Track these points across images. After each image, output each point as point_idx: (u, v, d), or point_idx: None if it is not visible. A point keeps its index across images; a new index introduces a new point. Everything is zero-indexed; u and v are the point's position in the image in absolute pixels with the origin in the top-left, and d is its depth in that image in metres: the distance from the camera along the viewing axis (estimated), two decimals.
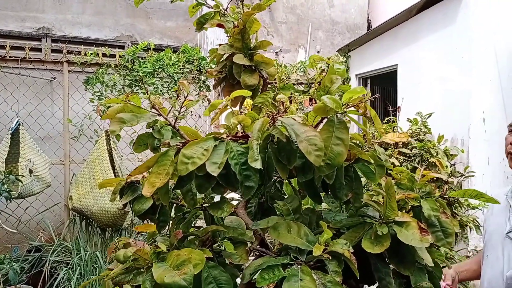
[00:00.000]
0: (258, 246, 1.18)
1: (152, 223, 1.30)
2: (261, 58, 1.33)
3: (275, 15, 8.20)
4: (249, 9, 1.33)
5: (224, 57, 1.39)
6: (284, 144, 0.94)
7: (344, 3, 8.87)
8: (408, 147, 3.21)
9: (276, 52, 8.08)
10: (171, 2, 1.65)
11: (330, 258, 0.92)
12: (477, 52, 3.99)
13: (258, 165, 0.87)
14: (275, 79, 1.42)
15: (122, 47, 6.35)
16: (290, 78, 5.14)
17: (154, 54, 4.82)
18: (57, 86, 4.91)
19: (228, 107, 1.00)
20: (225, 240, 0.98)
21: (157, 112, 1.03)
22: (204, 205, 1.34)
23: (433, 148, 3.04)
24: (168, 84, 4.71)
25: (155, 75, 4.71)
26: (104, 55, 4.66)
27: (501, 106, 4.10)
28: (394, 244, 1.03)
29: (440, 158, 2.95)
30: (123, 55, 4.67)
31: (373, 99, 0.94)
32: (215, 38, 6.51)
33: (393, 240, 1.03)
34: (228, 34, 1.39)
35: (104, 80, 4.58)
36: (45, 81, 4.87)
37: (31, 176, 3.92)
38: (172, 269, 0.81)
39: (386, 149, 3.36)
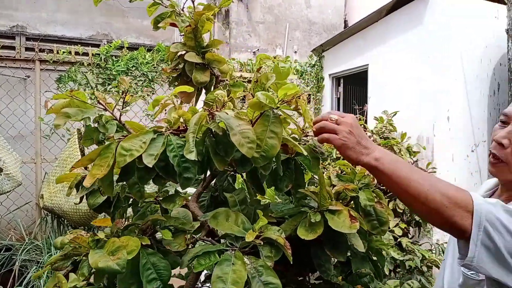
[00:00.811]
0: (205, 236, 1.24)
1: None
2: (213, 56, 1.38)
3: (252, 15, 8.27)
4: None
5: (178, 55, 1.44)
6: (222, 137, 1.00)
7: (321, 4, 9.00)
8: None
9: (254, 52, 8.14)
10: (130, 1, 1.68)
11: (262, 244, 0.98)
12: (442, 52, 4.12)
13: (193, 156, 0.92)
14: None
15: (98, 46, 6.30)
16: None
17: (128, 53, 4.82)
18: (29, 84, 4.86)
19: (170, 102, 1.05)
20: (165, 229, 1.03)
21: (103, 107, 1.07)
22: (157, 198, 1.40)
23: (397, 145, 3.15)
24: (142, 83, 4.72)
25: (129, 74, 4.72)
26: (77, 53, 4.64)
27: (466, 104, 4.24)
28: (329, 231, 1.10)
29: (402, 155, 3.06)
30: (97, 54, 4.66)
31: (305, 96, 1.00)
32: None
33: (328, 228, 1.09)
34: (181, 33, 1.44)
35: (77, 79, 4.56)
36: (17, 79, 4.82)
37: (1, 175, 3.88)
38: (108, 255, 0.86)
39: None
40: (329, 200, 1.13)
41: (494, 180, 1.36)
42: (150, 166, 0.90)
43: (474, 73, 4.32)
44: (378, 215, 1.22)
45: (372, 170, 1.00)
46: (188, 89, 1.09)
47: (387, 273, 2.97)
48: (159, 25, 1.47)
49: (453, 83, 4.18)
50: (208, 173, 1.27)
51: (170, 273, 0.98)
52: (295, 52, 8.59)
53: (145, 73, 4.76)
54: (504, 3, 4.19)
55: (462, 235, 0.94)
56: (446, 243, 1.95)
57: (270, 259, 0.98)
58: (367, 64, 5.07)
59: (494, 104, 4.46)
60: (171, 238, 1.01)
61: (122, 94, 1.05)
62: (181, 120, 1.06)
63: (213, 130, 0.99)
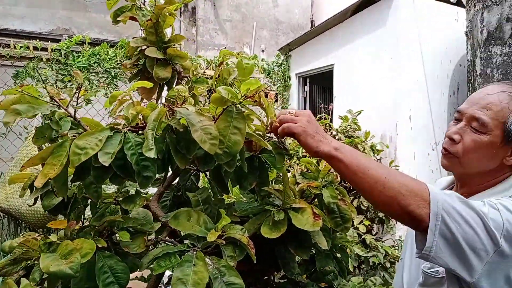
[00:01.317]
0: (167, 237, 1.20)
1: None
2: (174, 51, 1.35)
3: (219, 12, 8.21)
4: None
5: (138, 50, 1.39)
6: (183, 134, 0.97)
7: (288, 3, 9.05)
8: None
9: (221, 50, 8.08)
10: None
11: (224, 244, 0.95)
12: (405, 53, 4.22)
13: (152, 154, 0.88)
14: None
15: (58, 41, 6.07)
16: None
17: (90, 48, 4.67)
18: None
19: (129, 98, 1.01)
20: (123, 230, 0.99)
21: (56, 104, 1.02)
22: (117, 199, 1.34)
23: (361, 144, 3.20)
24: (105, 80, 4.58)
25: (91, 70, 4.57)
26: (35, 48, 4.45)
27: (427, 104, 4.37)
28: (292, 229, 1.09)
29: (367, 153, 3.11)
30: (57, 49, 4.49)
31: (267, 91, 0.99)
32: None
33: (292, 226, 1.08)
34: (142, 28, 1.39)
35: (35, 75, 4.37)
36: None
37: None
38: (60, 258, 0.81)
39: None
40: (293, 198, 1.12)
41: (449, 178, 1.40)
42: (107, 165, 0.86)
43: (435, 74, 4.46)
44: (341, 212, 1.22)
45: (331, 159, 1.01)
46: (147, 84, 1.05)
47: (351, 269, 3.01)
48: (118, 19, 1.42)
49: (415, 83, 4.30)
50: (170, 172, 1.24)
51: (129, 276, 0.94)
52: (263, 51, 8.60)
53: (108, 69, 4.63)
54: (464, 7, 4.34)
55: (419, 225, 0.95)
56: None
57: (233, 259, 0.95)
58: (333, 64, 5.14)
59: (454, 104, 4.62)
60: (129, 239, 0.97)
61: (76, 89, 1.00)
62: (140, 117, 1.02)
63: (173, 127, 0.96)
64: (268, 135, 1.18)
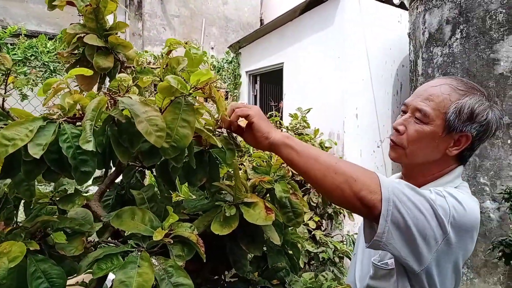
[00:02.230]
0: (110, 238, 1.12)
1: None
2: (116, 40, 1.26)
3: (167, 8, 8.00)
4: None
5: (76, 38, 1.29)
6: (126, 126, 0.89)
7: (237, 1, 9.01)
8: None
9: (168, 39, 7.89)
10: None
11: (172, 242, 0.89)
12: (351, 53, 4.33)
13: (90, 147, 0.81)
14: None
15: None
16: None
17: (27, 40, 4.36)
18: None
19: (65, 86, 0.92)
20: (58, 231, 0.90)
21: None
22: (53, 198, 1.24)
23: (310, 141, 3.23)
24: (43, 74, 4.30)
25: (27, 64, 4.27)
26: None
27: (372, 103, 4.52)
28: (244, 225, 1.05)
29: None
30: None
31: (218, 83, 0.94)
32: None
33: (244, 222, 1.04)
34: (81, 14, 1.29)
35: None
36: None
37: None
38: None
39: None
40: (245, 193, 1.08)
41: (395, 176, 1.43)
42: (38, 157, 0.77)
43: (380, 74, 4.62)
44: (293, 207, 1.20)
45: (284, 147, 1.00)
46: (86, 71, 0.96)
47: (302, 266, 3.04)
48: (54, 3, 1.30)
49: (360, 82, 4.42)
50: (113, 169, 1.15)
51: (65, 281, 0.86)
52: (212, 48, 8.50)
53: (46, 63, 4.35)
54: (406, 9, 4.53)
55: (371, 212, 0.95)
56: (356, 234, 2.00)
57: (181, 258, 0.90)
58: (283, 62, 5.17)
59: (397, 102, 4.81)
60: (65, 241, 0.88)
61: (4, 77, 0.90)
62: (78, 107, 0.93)
63: (115, 118, 0.88)
64: (219, 130, 1.13)
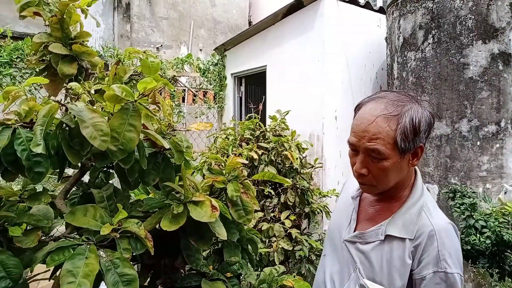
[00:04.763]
0: (71, 233, 1.20)
1: None
2: (79, 48, 1.34)
3: (155, 10, 8.08)
4: None
5: (43, 46, 1.37)
6: (76, 130, 0.98)
7: (226, 4, 9.11)
8: (266, 141, 3.46)
9: (157, 47, 7.97)
10: None
11: (118, 237, 0.98)
12: (330, 57, 4.43)
13: (40, 149, 0.89)
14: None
15: None
16: (165, 73, 5.14)
17: (13, 43, 4.42)
18: None
19: (22, 94, 1.00)
20: (16, 226, 0.98)
21: None
22: (22, 196, 1.32)
23: (287, 143, 3.32)
24: (29, 76, 4.36)
25: (13, 66, 4.33)
26: None
27: (351, 105, 4.62)
28: (192, 222, 1.14)
29: (292, 151, 3.24)
30: None
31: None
32: (90, 29, 6.19)
33: (191, 219, 1.13)
34: (47, 23, 1.37)
35: None
36: None
37: None
38: None
39: (247, 143, 3.57)
40: (193, 192, 1.17)
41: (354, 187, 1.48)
42: None
43: (359, 77, 4.72)
44: (244, 205, 1.29)
45: None
46: (42, 80, 1.05)
47: (277, 263, 3.12)
48: (22, 13, 1.39)
49: (340, 85, 4.52)
50: (72, 170, 1.24)
51: (22, 270, 0.94)
52: (200, 50, 8.59)
53: None
54: (385, 14, 4.64)
55: None
56: None
57: (127, 251, 0.98)
58: (265, 65, 5.26)
59: None
60: (21, 234, 0.97)
61: None
62: (36, 113, 1.02)
63: (66, 123, 0.97)
64: (171, 132, 1.22)
